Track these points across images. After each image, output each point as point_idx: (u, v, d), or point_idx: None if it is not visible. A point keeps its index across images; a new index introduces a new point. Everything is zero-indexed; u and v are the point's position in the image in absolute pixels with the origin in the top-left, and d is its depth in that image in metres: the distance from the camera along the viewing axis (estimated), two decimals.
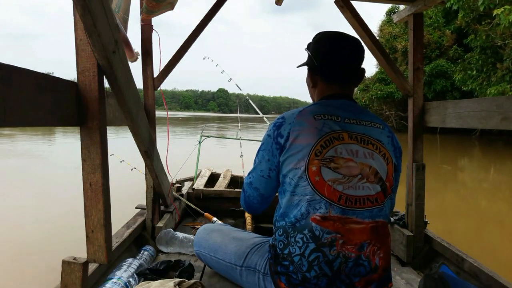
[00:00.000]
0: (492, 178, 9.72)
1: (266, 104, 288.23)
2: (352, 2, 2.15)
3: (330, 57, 1.32)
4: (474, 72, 16.47)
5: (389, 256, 1.21)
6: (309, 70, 1.41)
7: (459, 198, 6.95)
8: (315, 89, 1.40)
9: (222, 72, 3.72)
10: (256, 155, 1.36)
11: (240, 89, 3.94)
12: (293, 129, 1.22)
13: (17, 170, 7.91)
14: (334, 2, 2.16)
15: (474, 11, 14.14)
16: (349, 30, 2.28)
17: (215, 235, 1.68)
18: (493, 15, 11.94)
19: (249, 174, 1.44)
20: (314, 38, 1.38)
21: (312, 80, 1.40)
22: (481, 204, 6.57)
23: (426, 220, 2.15)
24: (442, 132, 22.56)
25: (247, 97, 4.06)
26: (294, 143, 1.20)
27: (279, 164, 1.25)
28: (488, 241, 4.36)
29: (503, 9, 11.30)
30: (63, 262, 1.18)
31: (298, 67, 1.49)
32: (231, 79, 3.82)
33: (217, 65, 3.67)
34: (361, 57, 1.35)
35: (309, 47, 1.40)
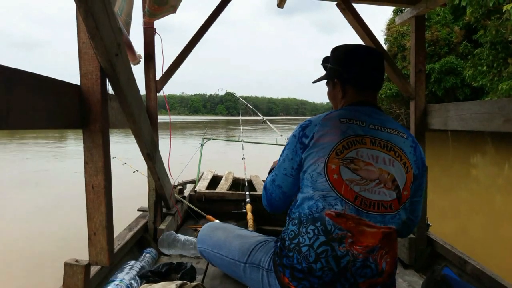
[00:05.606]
0: (507, 174, 9.66)
1: (274, 106, 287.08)
2: (353, 4, 2.15)
3: (364, 66, 1.38)
4: (485, 68, 16.04)
5: (396, 262, 1.21)
6: (337, 82, 1.43)
7: (473, 195, 6.92)
8: (344, 99, 1.43)
9: (237, 98, 4.49)
10: (281, 155, 1.39)
11: (259, 115, 4.18)
12: (318, 129, 1.26)
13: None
14: (336, 4, 2.16)
15: (483, 6, 13.94)
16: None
17: (219, 233, 1.69)
18: (503, 10, 11.80)
19: (272, 172, 1.46)
20: (340, 52, 1.43)
21: (342, 91, 1.42)
22: (496, 200, 6.53)
23: (429, 222, 2.15)
24: (453, 130, 22.34)
25: (265, 119, 4.28)
26: (317, 142, 1.23)
27: (301, 161, 1.28)
28: (502, 238, 4.34)
29: None
30: (65, 264, 1.18)
31: (316, 81, 1.55)
32: (247, 104, 4.46)
33: (229, 93, 4.72)
34: (384, 66, 1.45)
35: (334, 61, 1.44)
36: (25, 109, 0.92)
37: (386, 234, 1.15)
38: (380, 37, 26.55)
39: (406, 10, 2.24)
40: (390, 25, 26.52)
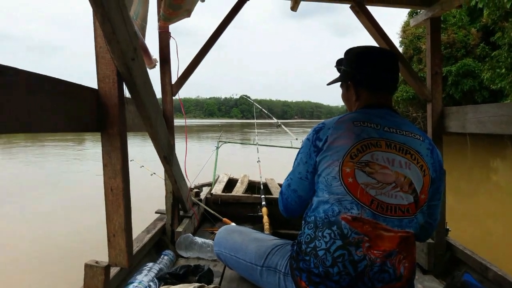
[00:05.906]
0: None
1: (289, 109, 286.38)
2: (367, 7, 2.14)
3: (376, 68, 1.36)
4: (503, 70, 15.62)
5: (414, 267, 1.19)
6: (351, 84, 1.43)
7: (493, 200, 6.79)
8: (358, 102, 1.41)
9: (252, 103, 4.60)
10: (295, 158, 1.39)
11: (273, 118, 4.20)
12: (332, 133, 1.25)
13: None
14: (350, 7, 2.15)
15: (500, 8, 13.64)
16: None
17: (236, 236, 1.69)
18: None
19: (287, 177, 1.46)
20: (352, 53, 1.41)
21: (356, 93, 1.41)
22: None
23: (448, 227, 2.11)
24: (472, 133, 21.87)
25: (279, 122, 4.34)
26: (331, 145, 1.23)
27: (315, 164, 1.27)
28: None
29: None
30: (86, 265, 1.19)
31: (330, 83, 1.52)
32: (261, 109, 4.53)
33: (244, 97, 4.91)
34: (398, 67, 1.41)
35: (347, 63, 1.42)
36: (45, 112, 0.94)
37: (404, 238, 1.13)
38: (396, 39, 26.25)
39: (421, 12, 2.21)
40: (406, 28, 26.16)
